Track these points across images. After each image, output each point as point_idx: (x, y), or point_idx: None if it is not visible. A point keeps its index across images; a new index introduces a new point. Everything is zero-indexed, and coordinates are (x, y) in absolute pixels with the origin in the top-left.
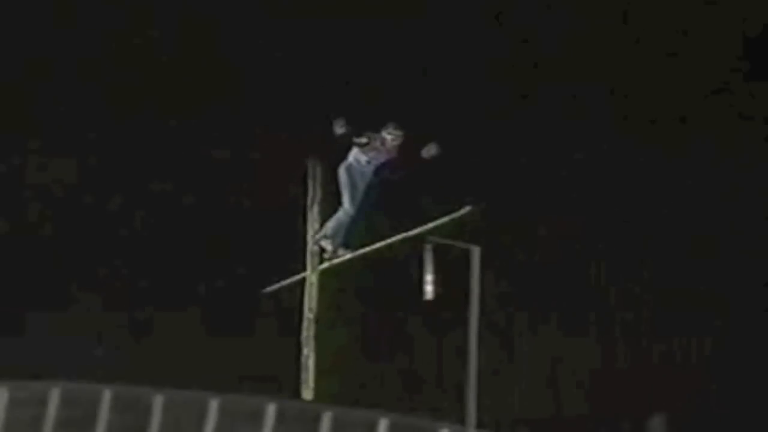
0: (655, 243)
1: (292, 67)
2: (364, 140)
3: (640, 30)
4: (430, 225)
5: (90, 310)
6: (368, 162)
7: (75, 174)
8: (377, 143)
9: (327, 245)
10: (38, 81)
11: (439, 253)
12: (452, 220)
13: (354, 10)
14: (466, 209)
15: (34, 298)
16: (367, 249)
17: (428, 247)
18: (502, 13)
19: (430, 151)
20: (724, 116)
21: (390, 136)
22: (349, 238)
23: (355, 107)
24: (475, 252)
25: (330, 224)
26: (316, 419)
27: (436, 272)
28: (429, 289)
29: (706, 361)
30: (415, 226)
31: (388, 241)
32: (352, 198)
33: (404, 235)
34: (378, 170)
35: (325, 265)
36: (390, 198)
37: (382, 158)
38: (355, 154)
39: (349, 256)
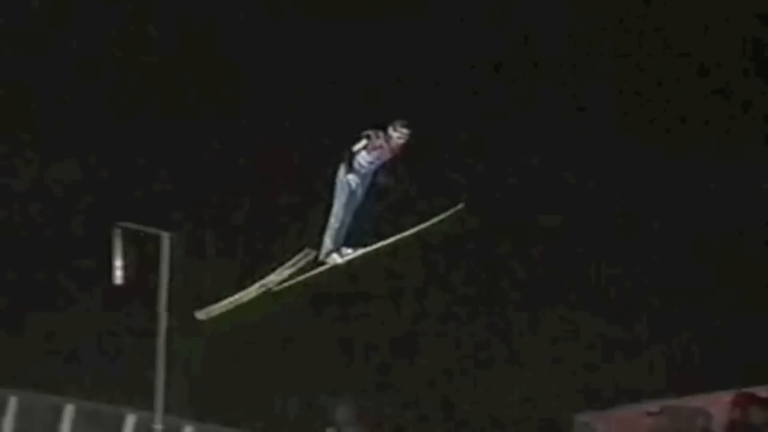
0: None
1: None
2: (363, 143)
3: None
4: (424, 225)
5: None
6: (371, 163)
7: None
8: (381, 141)
9: (337, 259)
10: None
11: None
12: (448, 218)
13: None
14: (460, 206)
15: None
16: (367, 249)
17: (118, 232)
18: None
19: (380, 178)
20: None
21: (396, 134)
22: (349, 239)
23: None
24: (165, 238)
25: (328, 238)
26: (3, 404)
27: (128, 257)
28: (119, 275)
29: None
30: (412, 226)
31: (384, 243)
32: (348, 203)
33: (400, 235)
34: (378, 171)
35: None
36: (388, 198)
37: (386, 158)
38: (357, 156)
39: (352, 256)
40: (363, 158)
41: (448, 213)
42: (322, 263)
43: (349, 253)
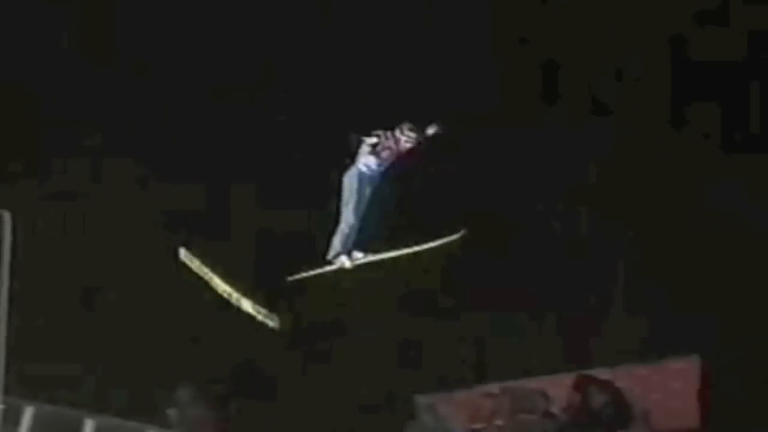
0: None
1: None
2: (374, 140)
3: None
4: (429, 245)
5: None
6: (379, 165)
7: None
8: (390, 142)
9: (345, 262)
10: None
11: None
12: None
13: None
14: (461, 233)
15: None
16: (377, 257)
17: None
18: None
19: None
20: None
21: (404, 137)
22: (357, 242)
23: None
24: (6, 217)
25: (336, 241)
26: None
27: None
28: None
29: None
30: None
31: (384, 255)
32: (357, 206)
33: (405, 251)
34: (386, 173)
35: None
36: (394, 203)
37: (394, 160)
38: (365, 159)
39: (361, 261)
40: (371, 161)
41: (452, 238)
42: (330, 263)
43: (359, 258)
